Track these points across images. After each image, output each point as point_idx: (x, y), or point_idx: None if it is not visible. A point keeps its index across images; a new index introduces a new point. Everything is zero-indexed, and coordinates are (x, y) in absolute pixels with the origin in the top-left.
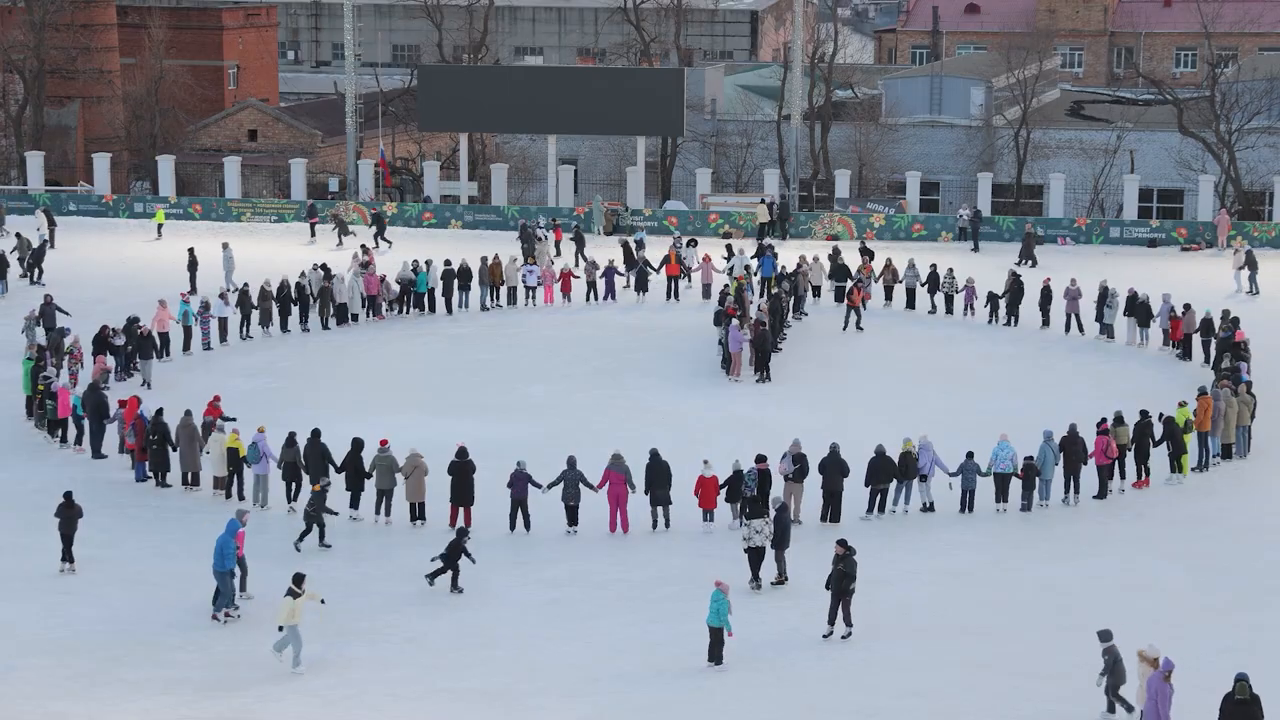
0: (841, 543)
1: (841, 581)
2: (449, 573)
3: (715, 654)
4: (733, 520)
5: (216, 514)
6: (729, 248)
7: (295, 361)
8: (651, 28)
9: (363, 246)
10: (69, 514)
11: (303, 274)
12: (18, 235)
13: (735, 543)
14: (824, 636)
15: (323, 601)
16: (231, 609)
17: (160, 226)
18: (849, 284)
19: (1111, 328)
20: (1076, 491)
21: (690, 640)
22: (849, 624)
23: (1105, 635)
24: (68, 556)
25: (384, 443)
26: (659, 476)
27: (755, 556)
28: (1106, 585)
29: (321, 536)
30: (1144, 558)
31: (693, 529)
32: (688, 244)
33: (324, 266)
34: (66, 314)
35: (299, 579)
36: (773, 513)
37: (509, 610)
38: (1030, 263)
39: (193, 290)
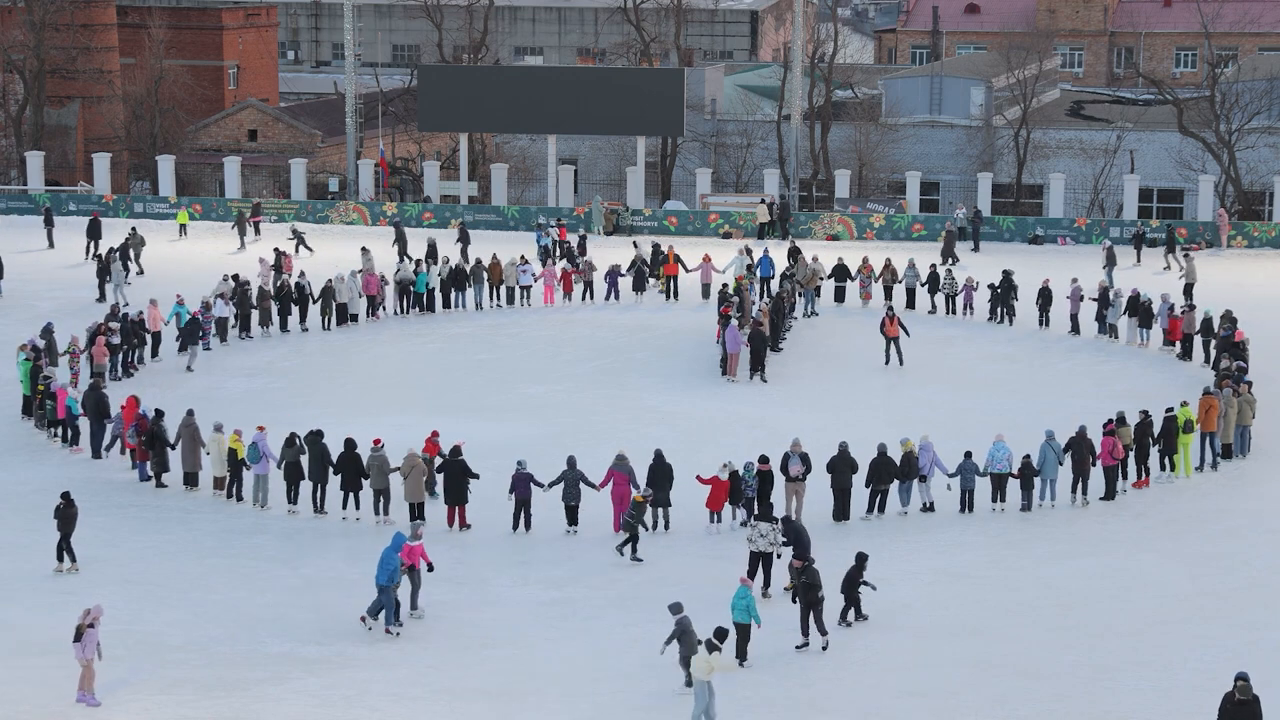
0: (799, 554)
1: (808, 593)
2: (852, 606)
3: (741, 651)
4: (733, 520)
5: (217, 514)
6: (747, 249)
7: (295, 361)
8: (651, 28)
9: (276, 249)
10: (68, 513)
11: (302, 274)
12: (133, 230)
13: (736, 544)
14: (798, 648)
15: (741, 664)
16: (393, 625)
17: (183, 227)
18: (883, 312)
19: (1115, 328)
20: (1084, 492)
21: None
22: (824, 633)
23: (676, 608)
24: (67, 556)
25: (377, 442)
26: (661, 478)
27: (762, 561)
28: (1107, 585)
29: (634, 548)
30: (1144, 557)
31: (693, 529)
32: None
33: (235, 276)
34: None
35: (721, 634)
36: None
37: (509, 610)
38: (952, 260)
39: (101, 297)
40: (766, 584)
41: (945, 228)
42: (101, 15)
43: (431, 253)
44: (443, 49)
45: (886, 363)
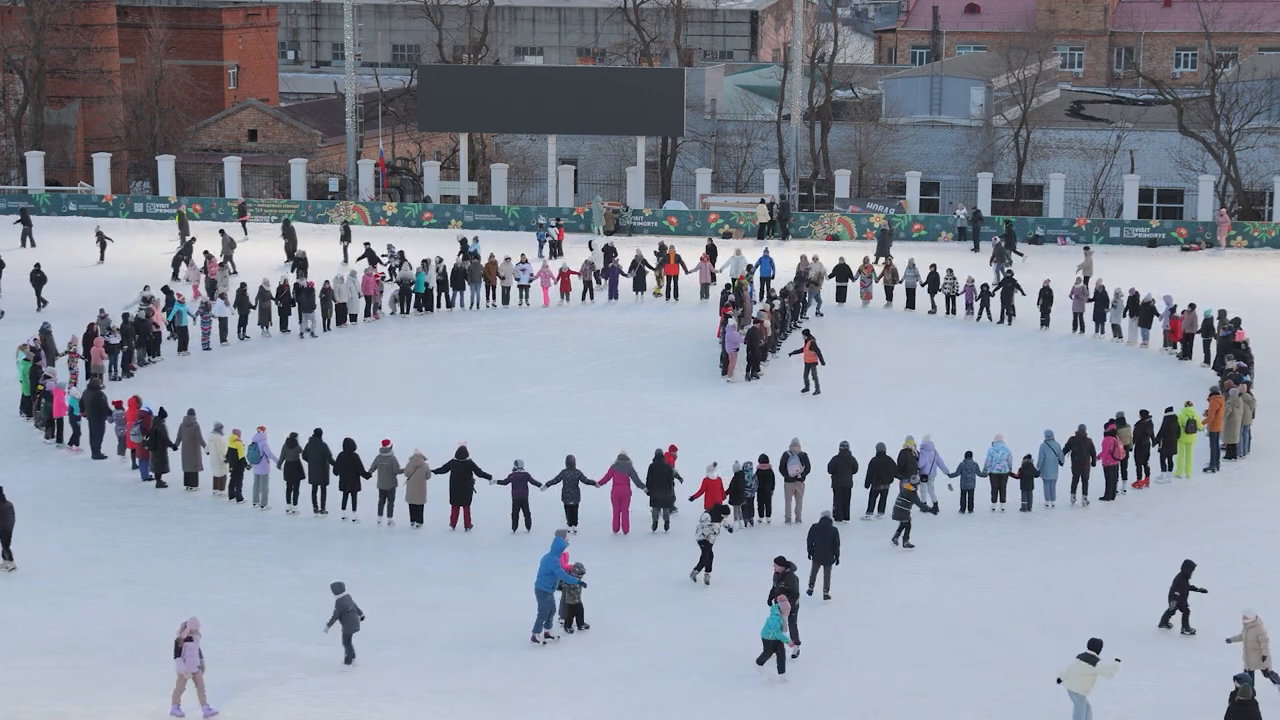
0: (780, 560)
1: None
2: (1180, 612)
3: (779, 665)
4: (735, 521)
5: (217, 514)
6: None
7: (295, 361)
8: (651, 28)
9: (205, 252)
10: (2, 508)
11: (289, 278)
12: (221, 231)
13: (736, 544)
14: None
15: (1117, 659)
16: (551, 630)
17: None
18: (804, 336)
19: (1118, 328)
20: (1085, 492)
21: (690, 640)
22: (796, 640)
23: (337, 588)
24: (6, 554)
25: (386, 443)
26: (661, 478)
27: (703, 549)
28: (1107, 585)
29: (906, 536)
30: (1144, 557)
31: (694, 530)
32: (602, 247)
33: (165, 289)
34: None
35: (1096, 644)
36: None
37: (509, 610)
38: (887, 258)
39: (40, 306)
40: (707, 569)
41: (880, 226)
42: (101, 15)
43: (300, 265)
44: (443, 49)
45: (804, 389)
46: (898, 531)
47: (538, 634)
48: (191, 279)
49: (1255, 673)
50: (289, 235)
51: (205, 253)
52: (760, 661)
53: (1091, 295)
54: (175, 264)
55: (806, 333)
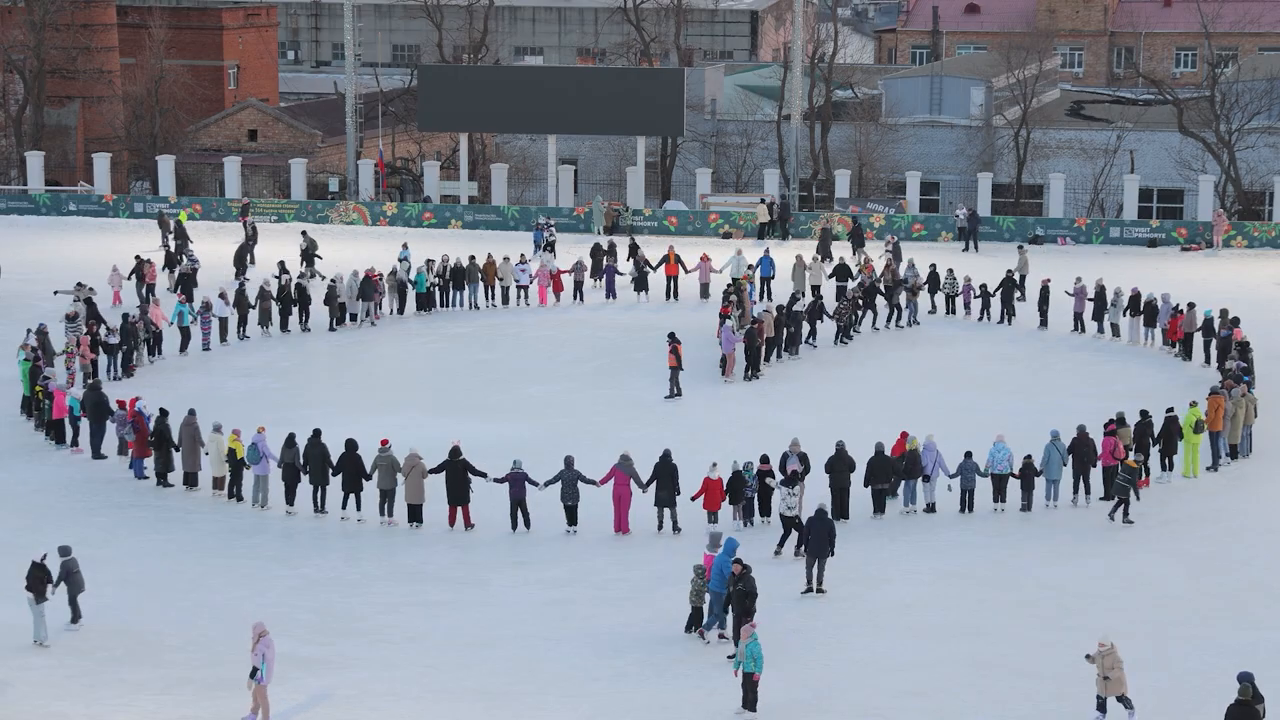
0: (737, 561)
1: (744, 600)
2: None
3: (750, 700)
4: (734, 521)
5: (217, 514)
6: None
7: (295, 361)
8: (651, 28)
9: (137, 256)
10: None
11: (301, 274)
12: (303, 233)
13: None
14: (730, 658)
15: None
16: (717, 630)
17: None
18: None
19: (1117, 327)
20: (1087, 493)
21: (690, 640)
22: (719, 627)
23: (64, 551)
24: None
25: (384, 442)
26: (666, 478)
27: (789, 524)
28: (1106, 585)
29: (1126, 510)
30: (1144, 557)
31: (695, 530)
32: (546, 247)
33: (88, 300)
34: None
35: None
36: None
37: (509, 610)
38: (826, 259)
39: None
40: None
41: (820, 225)
42: (101, 15)
43: (185, 282)
44: (443, 49)
45: (668, 395)
46: (1115, 506)
47: (708, 631)
48: (114, 284)
49: (1109, 699)
50: (180, 236)
51: (137, 256)
52: (744, 704)
53: (1022, 291)
54: (239, 262)
55: (672, 335)
